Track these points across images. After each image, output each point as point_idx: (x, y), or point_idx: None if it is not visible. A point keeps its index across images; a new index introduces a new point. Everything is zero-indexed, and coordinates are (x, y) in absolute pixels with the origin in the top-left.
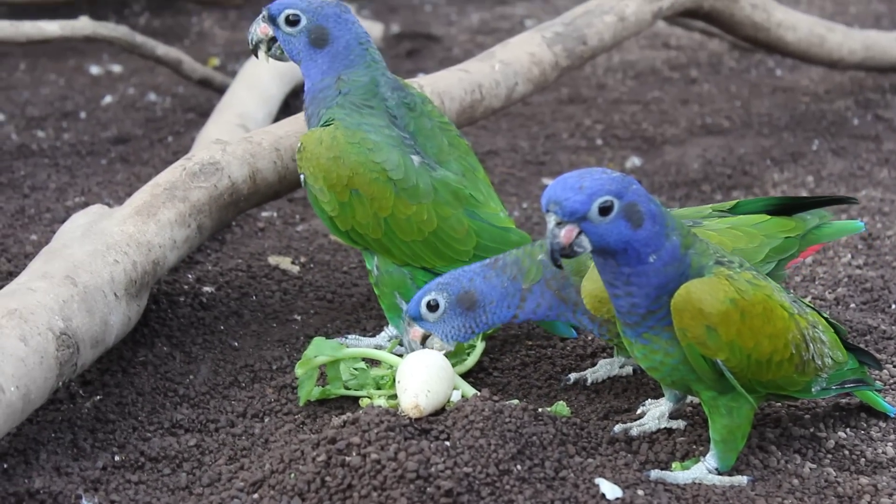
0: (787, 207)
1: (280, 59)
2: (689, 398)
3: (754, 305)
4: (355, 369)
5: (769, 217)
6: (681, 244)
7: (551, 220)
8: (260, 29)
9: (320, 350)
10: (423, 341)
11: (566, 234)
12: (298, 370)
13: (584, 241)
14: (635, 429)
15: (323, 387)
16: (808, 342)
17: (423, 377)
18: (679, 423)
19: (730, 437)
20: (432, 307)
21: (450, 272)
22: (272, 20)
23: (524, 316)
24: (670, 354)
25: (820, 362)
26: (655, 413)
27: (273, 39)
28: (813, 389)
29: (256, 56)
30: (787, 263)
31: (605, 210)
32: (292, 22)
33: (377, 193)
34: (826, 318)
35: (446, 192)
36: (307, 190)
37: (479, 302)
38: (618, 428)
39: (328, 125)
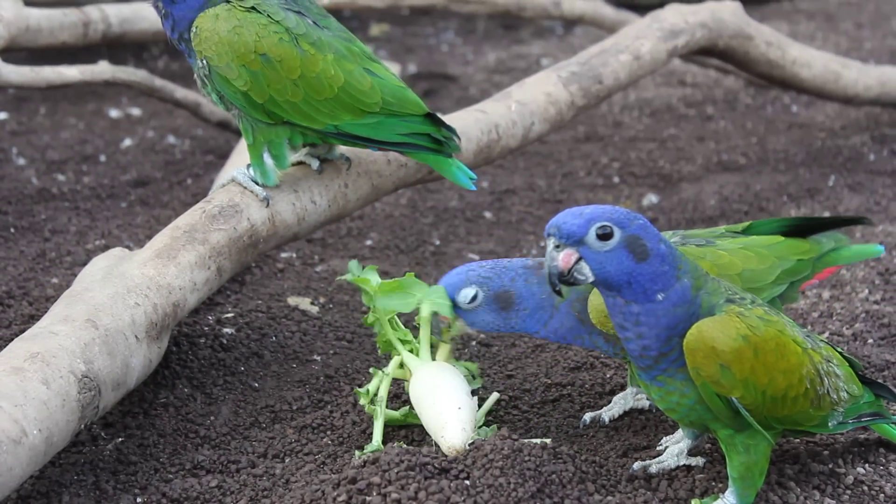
0: (802, 229)
1: None
2: (708, 434)
3: (767, 342)
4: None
5: (783, 238)
6: (692, 286)
7: (550, 244)
8: None
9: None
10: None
11: (564, 258)
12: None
13: (585, 269)
14: (654, 466)
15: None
16: (822, 376)
17: (463, 412)
18: (698, 460)
19: (748, 473)
20: (469, 298)
21: (494, 265)
22: None
23: (545, 334)
24: (686, 395)
25: (835, 396)
26: (674, 450)
27: None
28: (830, 424)
29: None
30: (800, 285)
31: (603, 236)
32: None
33: (285, 55)
34: (841, 353)
35: (342, 47)
36: (211, 80)
37: (515, 305)
38: (637, 465)
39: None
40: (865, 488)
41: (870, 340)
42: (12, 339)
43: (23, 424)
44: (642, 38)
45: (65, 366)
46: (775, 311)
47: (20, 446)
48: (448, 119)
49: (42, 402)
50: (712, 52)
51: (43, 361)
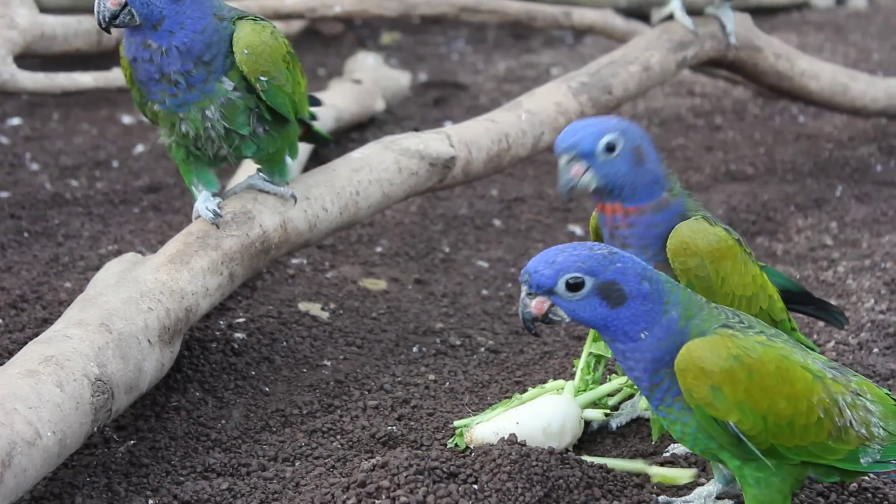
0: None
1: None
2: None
3: (764, 364)
4: None
5: None
6: (680, 317)
7: (523, 290)
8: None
9: None
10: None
11: (536, 305)
12: None
13: (560, 312)
14: (678, 502)
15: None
16: (842, 408)
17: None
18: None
19: None
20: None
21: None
22: None
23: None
24: (687, 424)
25: (865, 431)
26: (702, 492)
27: (125, 5)
28: (862, 461)
29: (108, 32)
30: None
31: (573, 287)
32: None
33: (292, 49)
34: (887, 393)
35: None
36: (248, 99)
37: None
38: (662, 499)
39: None
40: (869, 495)
41: (875, 350)
42: (26, 343)
43: (37, 426)
44: (652, 49)
45: (79, 369)
46: (785, 338)
47: (34, 448)
48: (458, 128)
49: (56, 404)
50: (721, 64)
51: (57, 364)
